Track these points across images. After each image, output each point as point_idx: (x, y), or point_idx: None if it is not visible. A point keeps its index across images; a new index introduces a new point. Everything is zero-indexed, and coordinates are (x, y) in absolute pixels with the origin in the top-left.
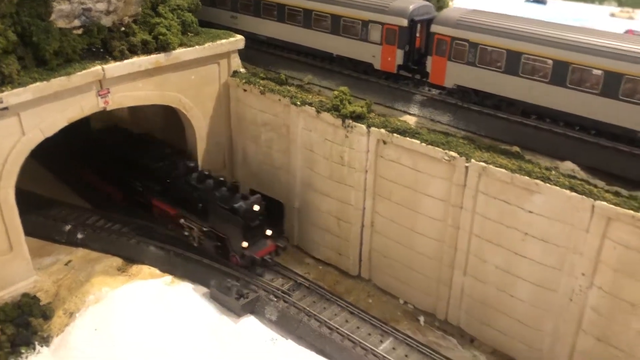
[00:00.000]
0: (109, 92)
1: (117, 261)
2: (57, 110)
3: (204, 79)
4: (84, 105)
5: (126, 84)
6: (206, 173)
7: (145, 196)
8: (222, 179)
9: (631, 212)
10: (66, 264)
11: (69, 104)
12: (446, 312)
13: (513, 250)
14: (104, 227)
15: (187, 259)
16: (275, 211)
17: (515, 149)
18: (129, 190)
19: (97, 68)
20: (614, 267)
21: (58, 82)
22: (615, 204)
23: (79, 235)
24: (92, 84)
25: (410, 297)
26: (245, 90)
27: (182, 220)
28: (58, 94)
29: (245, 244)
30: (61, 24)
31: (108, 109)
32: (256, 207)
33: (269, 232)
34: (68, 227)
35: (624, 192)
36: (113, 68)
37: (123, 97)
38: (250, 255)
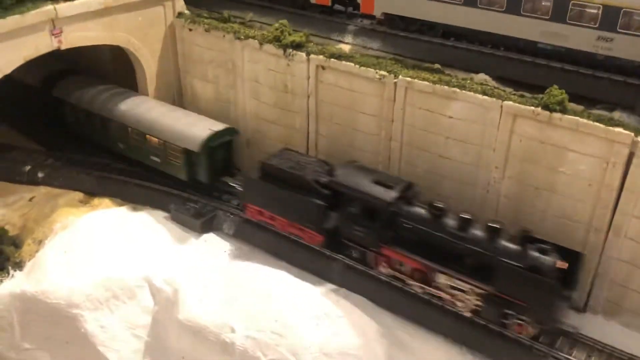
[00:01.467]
0: (61, 32)
1: (79, 195)
2: (13, 49)
3: (151, 21)
4: (39, 44)
5: (78, 24)
6: (466, 217)
7: (368, 243)
8: (495, 225)
9: (532, 107)
10: (30, 200)
11: (23, 43)
12: None
13: (438, 153)
14: (63, 166)
15: (147, 188)
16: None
17: (437, 66)
18: (338, 234)
19: (49, 7)
20: (521, 157)
21: (13, 21)
22: (520, 103)
23: (40, 175)
24: (45, 23)
25: None
26: (190, 30)
27: (441, 279)
28: (13, 33)
29: (552, 311)
30: None
31: (62, 48)
32: (560, 264)
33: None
34: (28, 168)
35: (527, 94)
36: (65, 8)
37: (75, 37)
38: (557, 324)
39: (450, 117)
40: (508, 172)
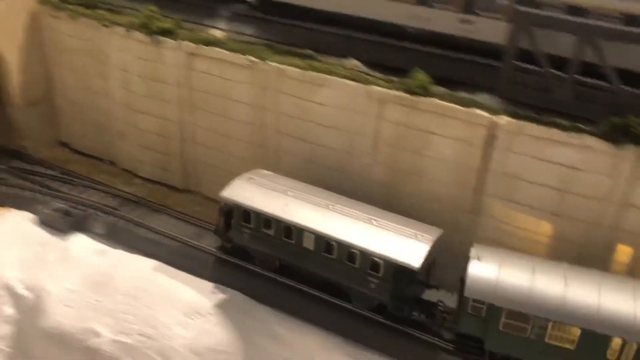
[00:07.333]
0: None
1: None
2: None
3: (12, 8)
4: None
5: None
6: None
7: None
8: None
9: (399, 92)
10: None
11: None
12: None
13: (314, 141)
14: None
15: (10, 186)
16: None
17: (309, 51)
18: None
19: None
20: (390, 143)
21: None
22: (387, 88)
23: None
24: None
25: None
26: (55, 17)
27: None
28: None
29: None
30: None
31: None
32: None
33: None
34: None
35: (395, 79)
36: None
37: None
38: None
39: (321, 104)
40: (379, 158)
